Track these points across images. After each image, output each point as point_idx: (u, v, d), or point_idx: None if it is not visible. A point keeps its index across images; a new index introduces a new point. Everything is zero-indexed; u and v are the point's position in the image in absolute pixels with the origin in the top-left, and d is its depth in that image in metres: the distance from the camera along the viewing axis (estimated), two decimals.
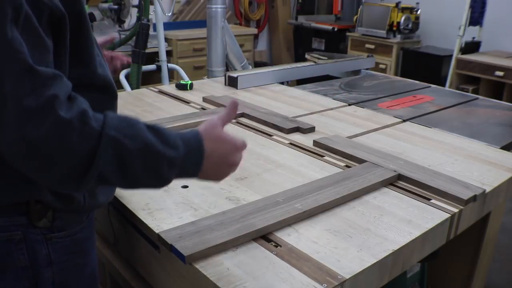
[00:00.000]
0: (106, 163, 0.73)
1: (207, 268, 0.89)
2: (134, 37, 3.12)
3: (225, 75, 2.32)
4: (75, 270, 0.98)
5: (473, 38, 4.30)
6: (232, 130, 1.66)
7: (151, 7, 3.13)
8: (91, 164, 0.72)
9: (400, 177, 1.30)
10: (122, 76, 3.05)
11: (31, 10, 0.72)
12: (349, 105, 2.06)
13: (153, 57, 3.55)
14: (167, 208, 1.10)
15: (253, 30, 5.35)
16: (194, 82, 2.26)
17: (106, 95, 0.94)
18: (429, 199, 1.20)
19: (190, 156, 0.82)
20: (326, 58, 2.69)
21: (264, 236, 1.00)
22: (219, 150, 0.86)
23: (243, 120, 1.77)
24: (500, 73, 3.86)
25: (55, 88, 0.71)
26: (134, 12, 3.58)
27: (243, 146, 0.90)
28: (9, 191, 0.84)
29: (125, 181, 0.79)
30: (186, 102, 1.97)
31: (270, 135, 1.62)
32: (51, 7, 0.75)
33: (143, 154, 0.76)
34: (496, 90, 3.95)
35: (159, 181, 0.82)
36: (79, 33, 0.84)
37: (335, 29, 5.14)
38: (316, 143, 1.54)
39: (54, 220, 0.90)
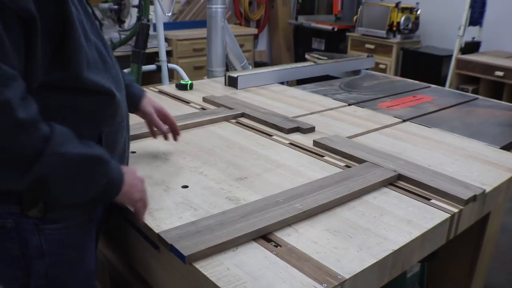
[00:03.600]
0: (48, 167, 0.80)
1: (207, 268, 0.89)
2: (134, 37, 3.12)
3: (225, 75, 2.32)
4: (70, 264, 0.98)
5: (473, 38, 4.30)
6: (233, 130, 1.66)
7: (151, 7, 3.13)
8: (34, 165, 0.78)
9: (400, 177, 1.30)
10: None
11: None
12: (349, 105, 2.06)
13: (153, 57, 3.55)
14: (167, 208, 1.10)
15: (253, 30, 5.35)
16: (194, 82, 2.26)
17: (97, 99, 0.94)
18: (429, 199, 1.21)
19: (115, 165, 0.94)
20: (326, 58, 2.69)
21: (264, 236, 1.00)
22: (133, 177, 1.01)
23: (243, 120, 1.77)
24: (500, 73, 3.86)
25: (14, 89, 0.76)
26: (134, 12, 3.59)
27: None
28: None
29: (61, 188, 0.85)
30: (186, 102, 1.97)
31: (270, 135, 1.62)
32: (16, 10, 0.75)
33: (83, 160, 0.85)
34: (496, 90, 3.95)
35: (92, 185, 0.89)
36: (63, 35, 0.84)
37: (335, 29, 5.14)
38: (316, 143, 1.54)
39: (46, 212, 0.91)
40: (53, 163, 0.80)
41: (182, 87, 2.16)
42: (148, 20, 3.08)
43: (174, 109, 1.85)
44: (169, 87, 2.22)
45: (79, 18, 0.89)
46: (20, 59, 0.79)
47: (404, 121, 1.86)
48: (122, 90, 1.05)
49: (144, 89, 1.37)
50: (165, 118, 1.33)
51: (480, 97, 2.39)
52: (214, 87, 2.27)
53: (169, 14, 3.08)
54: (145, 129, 1.53)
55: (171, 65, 3.39)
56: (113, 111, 0.99)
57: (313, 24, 5.35)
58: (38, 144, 0.78)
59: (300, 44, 5.65)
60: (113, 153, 1.01)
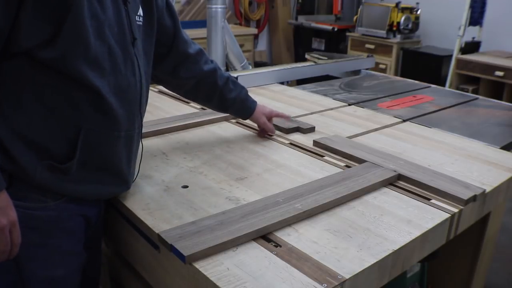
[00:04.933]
0: None
1: (207, 268, 0.89)
2: None
3: None
4: (29, 247, 0.97)
5: (473, 38, 4.30)
6: (233, 130, 1.66)
7: None
8: None
9: (400, 177, 1.30)
10: None
11: None
12: (349, 105, 2.06)
13: None
14: (167, 208, 1.10)
15: (253, 30, 5.35)
16: None
17: (82, 93, 0.96)
18: (429, 199, 1.20)
19: None
20: (326, 58, 2.69)
21: (264, 236, 1.00)
22: None
23: (243, 120, 1.76)
24: (500, 73, 3.86)
25: None
26: None
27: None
28: None
29: None
30: (186, 102, 1.97)
31: (270, 135, 1.62)
32: None
33: None
34: (496, 90, 3.95)
35: None
36: (64, 19, 0.88)
37: (335, 29, 5.14)
38: (316, 143, 1.54)
39: (9, 186, 0.92)
40: None
41: None
42: None
43: (174, 109, 1.85)
44: None
45: (96, 15, 0.92)
46: (7, 19, 0.85)
47: (404, 121, 1.86)
48: (127, 102, 1.05)
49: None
50: (271, 119, 1.60)
51: (480, 97, 2.39)
52: None
53: None
54: (145, 129, 1.53)
55: None
56: (99, 112, 0.99)
57: (313, 24, 5.35)
58: None
59: (300, 44, 5.65)
60: (94, 157, 1.01)
